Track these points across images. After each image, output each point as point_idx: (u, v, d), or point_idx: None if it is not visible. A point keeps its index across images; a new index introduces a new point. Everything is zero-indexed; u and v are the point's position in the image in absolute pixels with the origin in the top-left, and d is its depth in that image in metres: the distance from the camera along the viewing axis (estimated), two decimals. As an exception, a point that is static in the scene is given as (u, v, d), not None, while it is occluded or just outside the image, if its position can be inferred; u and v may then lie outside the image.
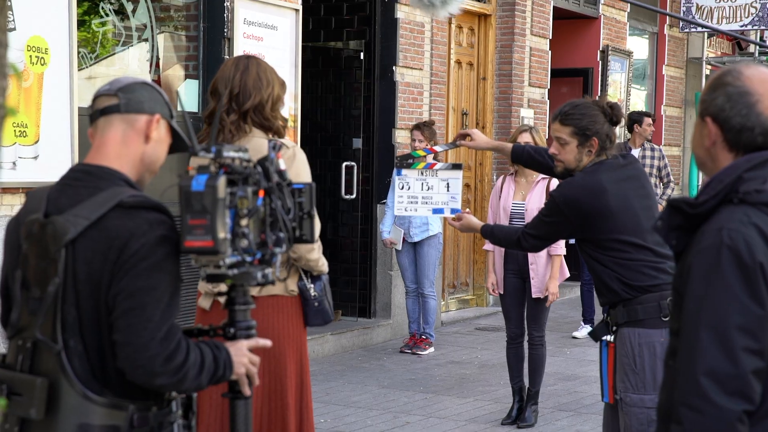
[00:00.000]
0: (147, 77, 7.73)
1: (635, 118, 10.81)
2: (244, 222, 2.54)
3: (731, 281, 2.13)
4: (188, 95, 7.83)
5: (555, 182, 6.63)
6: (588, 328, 9.63)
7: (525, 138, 6.51)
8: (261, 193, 2.61)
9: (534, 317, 6.67)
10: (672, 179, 10.65)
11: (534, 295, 6.56)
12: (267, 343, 2.77)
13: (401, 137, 9.55)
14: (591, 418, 6.92)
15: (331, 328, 9.12)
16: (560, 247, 6.54)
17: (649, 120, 10.72)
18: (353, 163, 9.59)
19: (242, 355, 2.63)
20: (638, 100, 14.63)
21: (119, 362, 2.45)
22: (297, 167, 3.82)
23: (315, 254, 3.90)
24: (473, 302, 11.19)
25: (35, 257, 2.48)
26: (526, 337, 6.75)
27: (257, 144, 3.75)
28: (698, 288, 2.16)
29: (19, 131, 6.19)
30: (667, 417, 2.22)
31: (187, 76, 7.89)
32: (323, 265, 3.98)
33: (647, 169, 10.37)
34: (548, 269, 6.55)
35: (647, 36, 14.84)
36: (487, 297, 11.13)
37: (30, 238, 2.49)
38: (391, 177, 9.00)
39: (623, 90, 13.57)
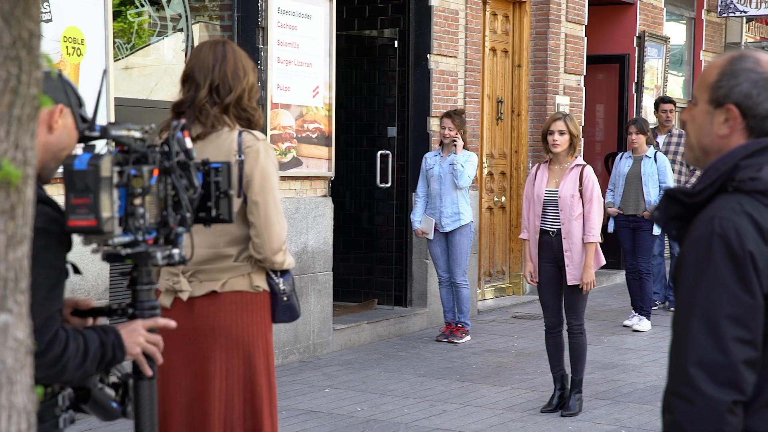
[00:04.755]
0: (182, 67, 7.75)
1: (655, 105, 10.86)
2: (137, 201, 2.52)
3: (721, 271, 2.10)
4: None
5: (589, 169, 6.58)
6: (639, 318, 9.59)
7: (559, 126, 6.47)
8: (155, 172, 2.58)
9: (571, 306, 6.61)
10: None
11: (570, 283, 6.50)
12: (170, 323, 2.76)
13: (436, 125, 9.52)
14: (629, 406, 6.88)
15: (367, 317, 9.13)
16: (595, 235, 6.48)
17: (665, 106, 10.68)
18: (388, 152, 9.57)
19: (137, 335, 2.63)
20: (676, 86, 14.51)
21: None
22: (261, 166, 3.72)
23: (281, 257, 3.78)
24: (510, 290, 11.16)
25: None
26: (565, 326, 6.71)
27: (228, 137, 3.72)
28: (690, 278, 2.14)
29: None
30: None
31: (221, 66, 7.89)
32: (289, 264, 3.85)
33: (670, 156, 10.29)
34: (583, 257, 6.49)
35: (684, 21, 14.70)
36: (523, 285, 11.09)
37: None
38: (421, 167, 8.98)
39: (660, 76, 13.46)
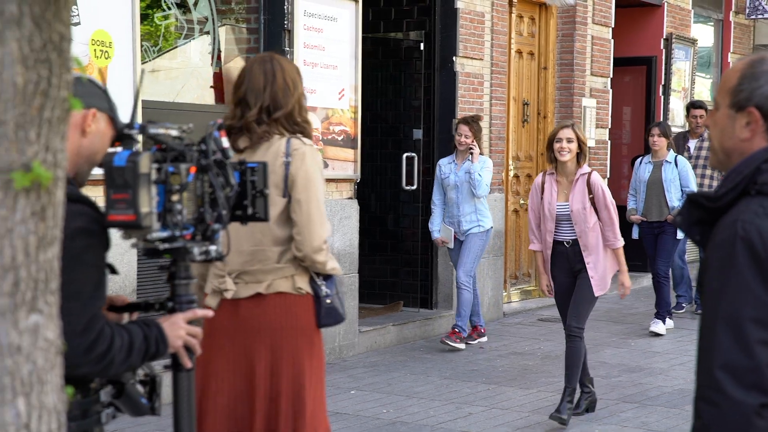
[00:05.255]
0: (209, 70, 7.79)
1: (686, 110, 10.81)
2: (175, 197, 2.59)
3: (745, 274, 2.10)
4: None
5: (596, 176, 6.41)
6: (655, 321, 9.51)
7: (567, 134, 6.31)
8: (192, 170, 2.65)
9: (578, 308, 6.39)
10: None
11: (596, 294, 6.35)
12: (207, 313, 2.83)
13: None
14: (656, 410, 6.85)
15: (392, 320, 9.14)
16: (620, 239, 6.40)
17: (696, 111, 10.58)
18: (414, 154, 9.57)
19: (178, 328, 2.70)
20: (703, 89, 14.43)
21: None
22: (306, 167, 3.81)
23: (321, 256, 3.83)
24: (535, 293, 11.12)
25: None
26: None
27: (277, 143, 3.83)
28: (714, 282, 2.14)
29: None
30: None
31: (248, 69, 7.92)
32: (332, 268, 3.90)
33: (701, 161, 10.23)
34: (607, 264, 6.37)
35: (712, 23, 14.62)
36: (549, 288, 11.05)
37: None
38: (435, 174, 8.90)
39: (688, 79, 13.40)
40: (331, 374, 7.73)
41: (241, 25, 8.00)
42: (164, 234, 2.59)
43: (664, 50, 12.88)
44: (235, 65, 7.99)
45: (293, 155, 3.81)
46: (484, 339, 8.93)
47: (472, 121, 8.57)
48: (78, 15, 6.23)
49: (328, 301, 3.89)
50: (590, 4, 11.35)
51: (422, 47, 9.65)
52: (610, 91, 11.90)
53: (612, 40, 11.85)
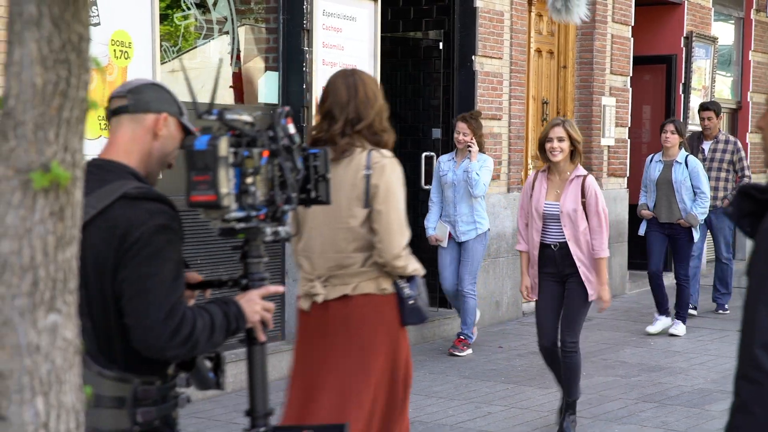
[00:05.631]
0: (228, 70, 7.81)
1: (698, 110, 10.66)
2: (249, 180, 2.75)
3: None
4: (268, 87, 7.88)
5: (591, 180, 6.09)
6: (675, 322, 9.45)
7: (558, 132, 6.00)
8: (265, 153, 2.80)
9: (570, 321, 6.06)
10: (748, 173, 10.35)
11: (590, 299, 6.01)
12: (279, 289, 3.00)
13: (481, 127, 9.49)
14: (676, 409, 6.82)
15: (411, 319, 9.11)
16: (605, 249, 6.01)
17: (704, 113, 10.42)
18: (433, 154, 9.57)
19: (254, 303, 2.85)
20: (724, 87, 14.37)
21: (133, 343, 2.69)
22: (386, 179, 4.06)
23: (401, 261, 4.05)
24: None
25: None
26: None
27: (359, 156, 4.07)
28: (760, 267, 2.19)
29: (105, 124, 6.30)
30: None
31: (267, 68, 7.94)
32: (414, 270, 4.12)
33: (716, 164, 10.17)
34: (593, 272, 6.00)
35: (733, 21, 14.55)
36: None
37: None
38: (434, 170, 8.70)
39: (708, 77, 13.34)
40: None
41: (260, 24, 8.02)
42: (241, 214, 2.75)
43: (684, 48, 12.82)
44: (254, 65, 8.01)
45: (374, 168, 4.05)
46: (469, 351, 8.51)
47: (471, 118, 8.24)
48: (98, 15, 6.26)
49: (411, 301, 4.13)
50: (610, 3, 11.31)
51: (441, 46, 9.64)
52: (630, 89, 11.86)
53: (632, 39, 11.81)
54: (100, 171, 2.76)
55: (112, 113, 2.86)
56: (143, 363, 2.72)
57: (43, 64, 1.78)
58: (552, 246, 6.06)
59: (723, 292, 10.63)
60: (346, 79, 4.18)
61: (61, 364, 1.84)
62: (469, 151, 8.21)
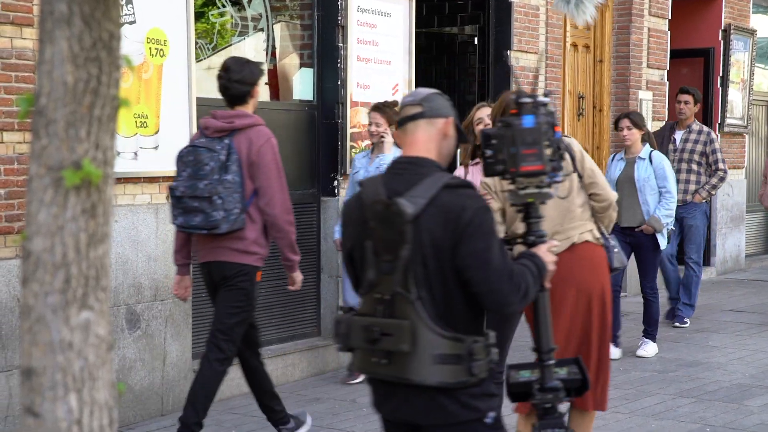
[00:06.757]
0: (264, 67, 7.82)
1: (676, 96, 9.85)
2: (548, 152, 3.28)
3: None
4: (303, 84, 7.89)
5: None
6: (644, 342, 8.26)
7: (484, 112, 5.93)
8: (557, 129, 3.32)
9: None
10: (723, 167, 9.44)
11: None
12: (555, 243, 3.54)
13: (517, 122, 9.46)
14: (713, 405, 6.76)
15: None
16: None
17: (682, 96, 9.66)
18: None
19: (546, 254, 3.36)
20: (762, 80, 14.21)
21: (486, 306, 3.18)
22: (584, 157, 4.95)
23: (616, 208, 5.08)
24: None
25: (382, 230, 3.14)
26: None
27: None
28: None
29: (140, 122, 6.33)
30: None
31: (302, 65, 7.96)
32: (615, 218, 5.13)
33: (686, 155, 9.44)
34: None
35: (771, 13, 14.39)
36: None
37: (376, 216, 3.15)
38: (350, 172, 7.58)
39: (746, 70, 13.20)
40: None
41: (296, 21, 8.03)
42: (558, 179, 3.31)
43: (722, 41, 12.69)
44: (289, 62, 8.03)
45: (574, 153, 5.01)
46: None
47: (385, 107, 7.14)
48: (134, 14, 6.29)
49: (616, 250, 4.99)
50: (646, -4, 11.22)
51: (476, 41, 9.61)
52: (667, 83, 11.76)
53: (669, 32, 11.71)
54: (414, 167, 3.22)
55: (409, 119, 3.30)
56: (471, 324, 3.16)
57: (74, 62, 1.79)
58: None
59: (685, 303, 9.44)
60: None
61: (93, 361, 1.85)
62: (383, 143, 7.15)
